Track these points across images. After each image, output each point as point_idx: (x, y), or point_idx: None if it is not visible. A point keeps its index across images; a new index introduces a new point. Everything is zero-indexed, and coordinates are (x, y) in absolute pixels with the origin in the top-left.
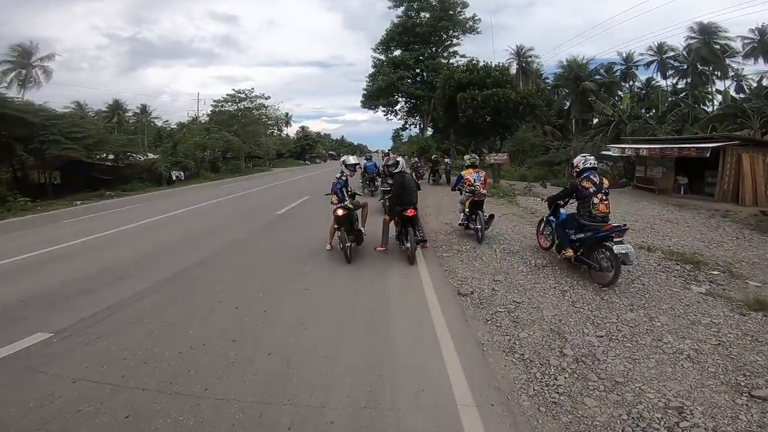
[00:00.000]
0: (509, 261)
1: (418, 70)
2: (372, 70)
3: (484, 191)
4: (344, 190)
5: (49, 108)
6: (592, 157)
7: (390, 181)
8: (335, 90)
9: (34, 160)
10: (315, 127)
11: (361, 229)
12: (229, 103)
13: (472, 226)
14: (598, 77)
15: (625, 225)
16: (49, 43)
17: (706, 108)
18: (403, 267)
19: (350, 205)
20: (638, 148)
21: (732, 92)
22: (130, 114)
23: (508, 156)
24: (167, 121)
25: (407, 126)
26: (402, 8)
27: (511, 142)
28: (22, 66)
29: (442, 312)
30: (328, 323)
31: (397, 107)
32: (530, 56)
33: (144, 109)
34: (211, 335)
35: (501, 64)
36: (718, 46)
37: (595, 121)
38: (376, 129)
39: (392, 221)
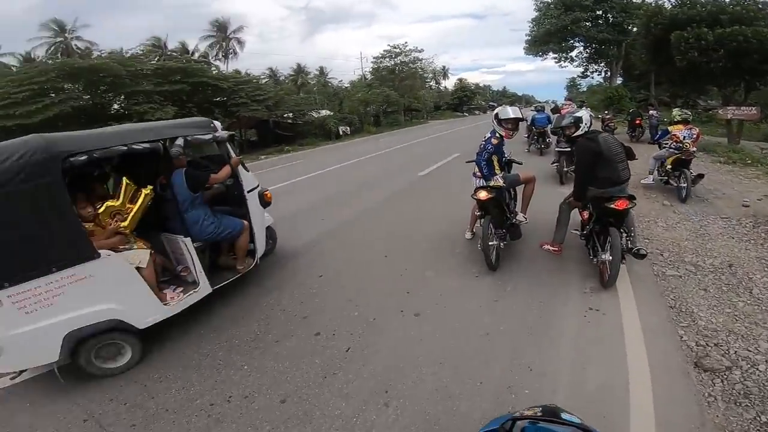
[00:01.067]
0: None
1: (599, 12)
2: (536, 14)
3: (694, 149)
4: (494, 160)
5: (237, 75)
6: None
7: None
8: (493, 41)
9: (230, 121)
10: (473, 78)
11: (520, 217)
12: (387, 59)
13: (674, 184)
14: None
15: None
16: (240, 17)
17: None
18: (589, 293)
19: (500, 184)
20: None
21: None
22: (311, 76)
23: (760, 110)
24: (341, 81)
25: (588, 74)
26: None
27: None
28: (222, 39)
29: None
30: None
31: (573, 53)
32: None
33: (321, 71)
34: None
35: None
36: None
37: None
38: (545, 78)
39: (578, 210)
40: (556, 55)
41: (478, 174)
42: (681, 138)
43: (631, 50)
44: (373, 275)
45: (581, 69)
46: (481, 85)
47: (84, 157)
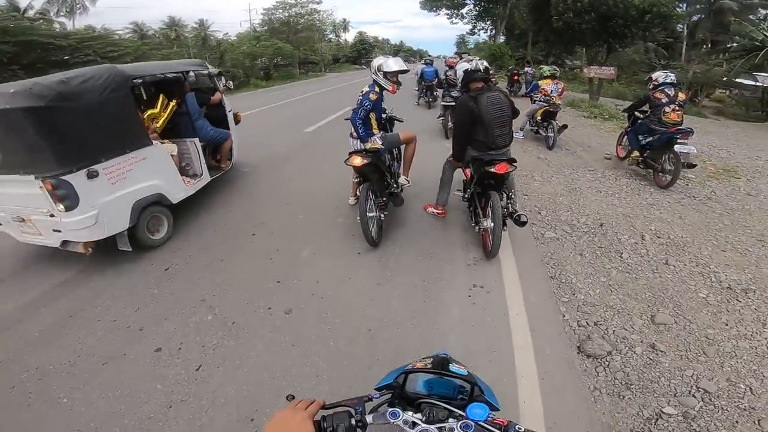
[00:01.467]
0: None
1: None
2: None
3: (559, 102)
4: (371, 118)
5: (85, 31)
6: (672, 74)
7: (453, 96)
8: None
9: None
10: (374, 32)
11: (402, 180)
12: (280, 11)
13: (543, 134)
14: None
15: (690, 128)
16: None
17: None
18: (474, 265)
19: (377, 145)
20: None
21: None
22: (188, 29)
23: (616, 71)
24: (227, 33)
25: (476, 31)
26: None
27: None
28: None
29: (546, 407)
30: None
31: (464, 10)
32: None
33: (202, 23)
34: None
35: None
36: None
37: (728, 44)
38: (439, 35)
39: (460, 168)
40: (448, 12)
41: (355, 135)
42: (549, 91)
43: (515, 10)
44: (235, 262)
45: (470, 26)
46: (380, 38)
47: (140, 80)
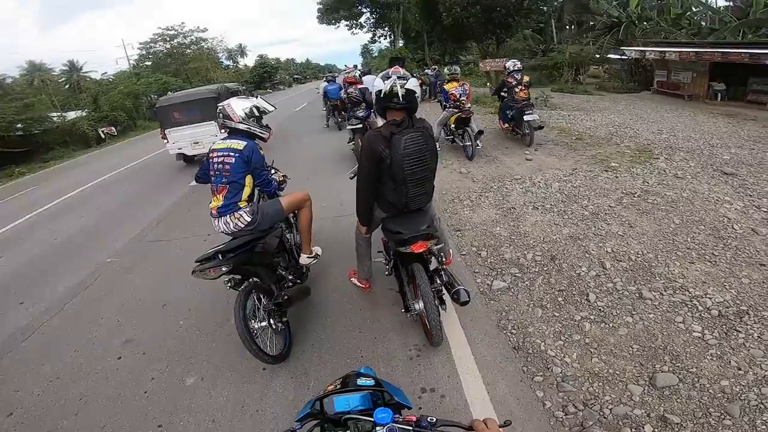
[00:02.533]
0: None
1: None
2: None
3: (469, 105)
4: (244, 185)
5: None
6: (519, 62)
7: (360, 117)
8: (295, 13)
9: None
10: (277, 53)
11: (304, 260)
12: (159, 43)
13: (460, 143)
14: None
15: (530, 101)
16: None
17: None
18: (417, 358)
19: (236, 232)
20: (664, 51)
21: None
22: (57, 73)
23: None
24: (105, 73)
25: (376, 39)
26: None
27: (502, 48)
28: None
29: None
30: None
31: (362, 19)
32: None
33: (73, 66)
34: None
35: None
36: None
37: (591, 23)
38: (346, 47)
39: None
40: (348, 23)
41: (214, 213)
42: (457, 96)
43: (408, 12)
44: (97, 403)
45: (370, 35)
46: (282, 59)
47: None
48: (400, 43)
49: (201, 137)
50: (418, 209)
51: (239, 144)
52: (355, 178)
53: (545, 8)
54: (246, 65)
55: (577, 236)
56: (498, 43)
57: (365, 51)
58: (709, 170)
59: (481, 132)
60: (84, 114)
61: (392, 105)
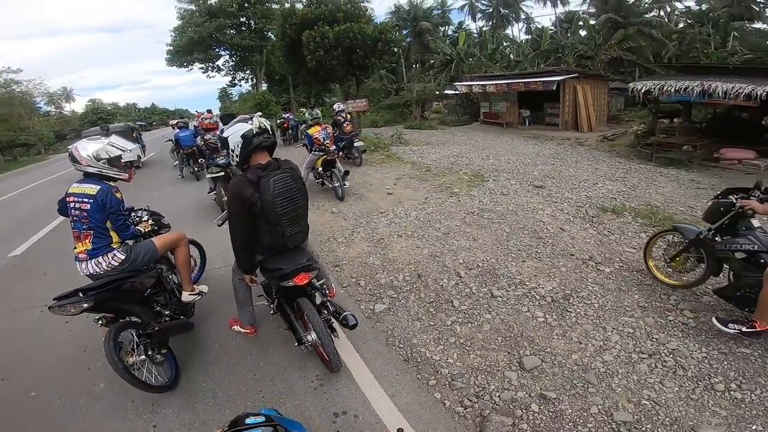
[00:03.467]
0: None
1: (243, 18)
2: (178, 22)
3: (334, 148)
4: (107, 229)
5: None
6: (342, 104)
7: (220, 164)
8: (135, 55)
9: None
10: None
11: (186, 297)
12: None
13: (329, 185)
14: (434, 15)
15: (357, 133)
16: None
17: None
18: (321, 387)
19: (109, 271)
20: (484, 84)
21: (522, 34)
22: None
23: (368, 102)
24: None
25: (236, 82)
26: None
27: (361, 89)
28: None
29: None
30: None
31: (220, 62)
32: (362, 1)
33: None
34: None
35: None
36: None
37: (432, 61)
38: (197, 90)
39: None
40: (203, 65)
41: (82, 256)
42: (321, 140)
43: (271, 55)
44: None
45: (229, 78)
46: (121, 104)
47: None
48: (264, 86)
49: None
50: (296, 248)
51: (92, 189)
52: (225, 226)
53: (396, 49)
54: (74, 111)
55: (436, 254)
56: (358, 84)
57: (224, 95)
58: (525, 185)
59: (347, 172)
60: None
61: (265, 141)
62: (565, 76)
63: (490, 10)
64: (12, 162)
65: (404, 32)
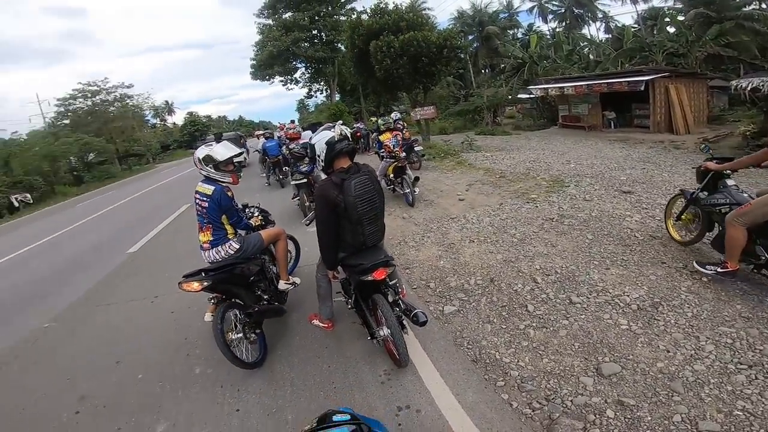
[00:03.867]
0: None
1: (315, 31)
2: (259, 37)
3: (404, 154)
4: (223, 223)
5: None
6: (399, 114)
7: (303, 171)
8: (223, 70)
9: None
10: (206, 110)
11: (282, 286)
12: (80, 100)
13: (400, 191)
14: (501, 19)
15: (416, 139)
16: None
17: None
18: (388, 381)
19: (226, 258)
20: (562, 87)
21: (602, 33)
22: None
23: (436, 108)
24: (16, 132)
25: (312, 93)
26: None
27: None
28: None
29: None
30: None
31: (297, 74)
32: (424, 9)
33: None
34: None
35: (412, 2)
36: None
37: (502, 66)
38: (280, 103)
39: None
40: (282, 78)
41: (205, 245)
42: (391, 147)
43: (343, 66)
44: None
45: (306, 89)
46: (214, 117)
47: None
48: (337, 97)
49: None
50: (374, 246)
51: (209, 189)
52: (312, 227)
53: (462, 55)
54: (175, 123)
55: (510, 259)
56: (425, 92)
57: (301, 106)
58: (611, 191)
59: (417, 178)
60: None
61: (342, 148)
62: (654, 75)
63: (562, 10)
64: (127, 170)
65: (470, 38)
